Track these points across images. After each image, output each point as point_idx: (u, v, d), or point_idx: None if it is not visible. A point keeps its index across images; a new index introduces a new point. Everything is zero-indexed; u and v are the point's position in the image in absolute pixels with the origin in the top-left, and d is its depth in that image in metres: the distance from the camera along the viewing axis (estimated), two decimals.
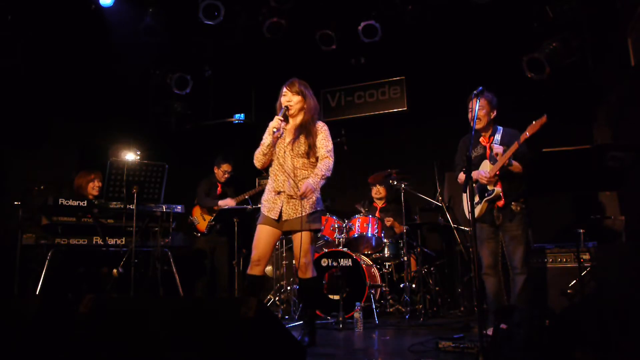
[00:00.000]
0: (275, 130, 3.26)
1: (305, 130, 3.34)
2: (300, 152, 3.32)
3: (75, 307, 2.36)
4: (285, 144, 3.34)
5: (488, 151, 3.69)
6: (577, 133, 5.33)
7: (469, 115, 3.72)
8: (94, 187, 4.85)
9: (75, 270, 4.57)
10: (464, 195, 3.82)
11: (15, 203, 4.26)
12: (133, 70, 6.21)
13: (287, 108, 3.33)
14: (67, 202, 4.20)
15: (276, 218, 3.27)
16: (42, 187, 4.47)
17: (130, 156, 4.95)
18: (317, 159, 3.38)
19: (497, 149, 3.55)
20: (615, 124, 5.00)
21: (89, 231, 4.36)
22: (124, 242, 4.45)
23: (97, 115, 6.07)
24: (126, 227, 4.39)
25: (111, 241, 4.42)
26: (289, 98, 3.37)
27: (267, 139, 3.31)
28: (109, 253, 4.42)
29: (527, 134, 3.36)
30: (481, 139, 3.77)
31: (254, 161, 3.38)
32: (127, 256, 4.20)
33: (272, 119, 3.34)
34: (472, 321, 4.35)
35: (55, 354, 2.32)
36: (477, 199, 3.68)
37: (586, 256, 4.22)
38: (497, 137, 3.68)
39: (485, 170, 3.64)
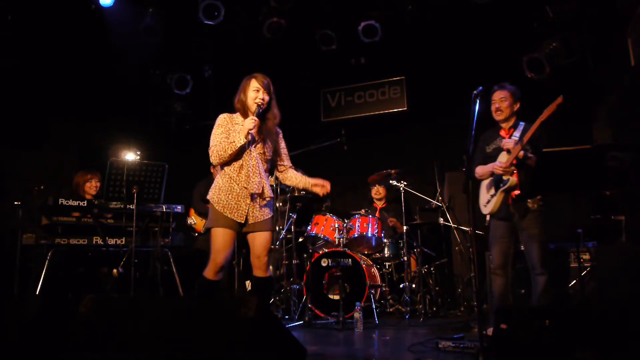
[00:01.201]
0: (250, 131, 3.08)
1: (270, 134, 3.24)
2: (267, 157, 3.23)
3: (75, 307, 2.36)
4: (255, 146, 3.19)
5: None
6: (577, 133, 5.33)
7: (492, 108, 3.68)
8: (91, 187, 4.85)
9: (75, 270, 4.57)
10: (481, 190, 3.76)
11: (15, 203, 4.26)
12: (133, 70, 6.21)
13: (260, 107, 3.14)
14: (67, 202, 4.19)
15: (242, 221, 3.13)
16: (42, 187, 4.47)
17: (130, 156, 4.95)
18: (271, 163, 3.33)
19: (508, 143, 3.48)
20: (615, 124, 5.01)
21: (89, 231, 4.36)
22: (124, 242, 4.44)
23: (97, 115, 6.08)
24: (126, 227, 4.39)
25: (111, 241, 4.42)
26: (262, 96, 3.17)
27: (240, 139, 3.09)
28: (109, 253, 4.42)
29: (544, 116, 3.31)
30: (501, 132, 3.70)
31: (215, 158, 3.12)
32: (127, 256, 4.20)
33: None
34: (472, 321, 4.35)
35: (55, 354, 2.32)
36: (492, 191, 3.62)
37: (586, 256, 4.22)
38: (517, 132, 3.58)
39: (501, 161, 3.57)
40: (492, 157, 3.65)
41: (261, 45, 6.11)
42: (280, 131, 3.36)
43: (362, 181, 6.03)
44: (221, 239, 3.13)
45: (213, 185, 3.22)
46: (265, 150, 3.22)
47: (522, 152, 3.41)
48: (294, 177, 3.38)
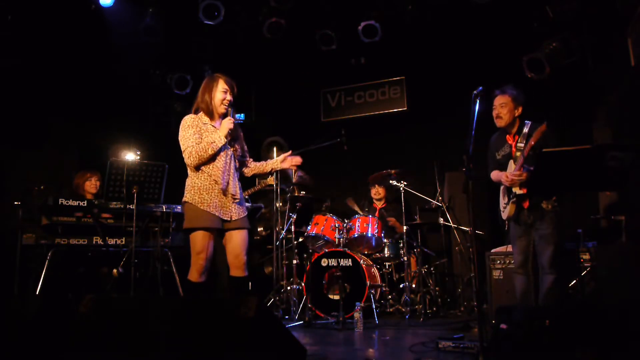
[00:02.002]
0: (230, 131, 3.18)
1: (237, 133, 3.33)
2: (238, 154, 3.34)
3: (75, 307, 2.36)
4: (227, 146, 3.26)
5: (514, 150, 3.58)
6: (577, 133, 5.34)
7: (493, 113, 3.65)
8: (91, 186, 4.86)
9: (75, 270, 4.57)
10: (501, 195, 3.76)
11: (15, 203, 4.26)
12: (133, 70, 6.20)
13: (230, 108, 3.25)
14: (67, 202, 4.19)
15: (229, 218, 3.18)
16: (42, 187, 4.47)
17: (130, 156, 4.95)
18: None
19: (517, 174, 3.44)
20: (615, 124, 5.00)
21: (89, 231, 4.36)
22: (124, 242, 4.44)
23: (97, 115, 6.07)
24: (126, 227, 4.39)
25: (111, 241, 4.41)
26: (229, 97, 3.25)
27: (221, 139, 3.15)
28: (109, 253, 4.42)
29: (532, 142, 3.32)
30: (507, 137, 3.67)
31: (195, 159, 3.12)
32: (127, 256, 4.20)
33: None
34: (472, 321, 4.35)
35: (55, 354, 2.32)
36: (506, 199, 3.63)
37: (586, 256, 4.21)
38: (523, 137, 3.51)
39: (510, 171, 3.56)
40: (503, 165, 3.65)
41: (261, 45, 6.11)
42: (241, 130, 3.46)
43: (362, 181, 6.03)
44: (202, 241, 3.11)
45: (190, 185, 3.21)
46: (237, 148, 3.31)
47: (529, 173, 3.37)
48: (259, 165, 3.48)
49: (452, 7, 5.56)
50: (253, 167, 3.49)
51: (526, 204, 3.51)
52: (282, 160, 3.42)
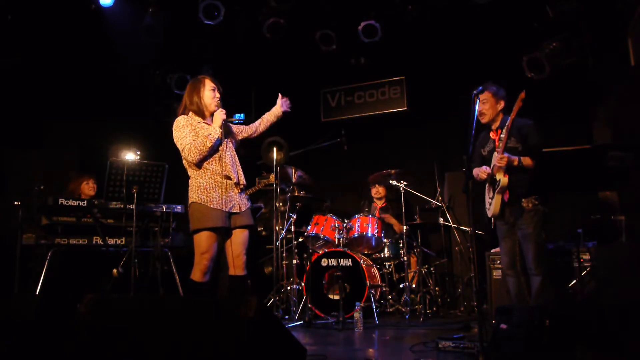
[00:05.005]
0: (224, 122, 3.30)
1: (227, 127, 3.41)
2: (235, 146, 3.43)
3: (75, 307, 2.36)
4: (225, 139, 3.33)
5: (497, 142, 3.59)
6: (577, 133, 5.33)
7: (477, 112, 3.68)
8: (90, 189, 4.87)
9: (75, 270, 4.56)
10: (486, 191, 3.75)
11: (15, 203, 4.25)
12: (133, 70, 6.21)
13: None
14: (67, 202, 4.20)
15: (239, 211, 3.23)
16: (42, 187, 4.46)
17: (130, 156, 4.94)
18: None
19: (501, 161, 3.46)
20: (615, 124, 5.00)
21: (89, 231, 4.36)
22: (124, 242, 4.45)
23: (97, 115, 6.07)
24: (126, 227, 4.39)
25: (111, 241, 4.42)
26: (218, 95, 3.35)
27: (216, 131, 3.22)
28: (109, 253, 4.42)
29: (513, 113, 3.38)
30: (491, 134, 3.70)
31: (195, 154, 3.15)
32: (127, 256, 4.20)
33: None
34: (472, 321, 4.35)
35: (55, 354, 2.32)
36: (491, 193, 3.62)
37: (586, 256, 4.21)
38: (507, 124, 3.52)
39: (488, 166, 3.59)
40: (488, 160, 3.65)
41: (261, 45, 6.11)
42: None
43: (362, 181, 6.03)
44: (207, 241, 3.12)
45: (195, 186, 3.21)
46: (234, 142, 3.40)
47: (510, 158, 3.39)
48: (259, 123, 3.62)
49: (452, 7, 5.56)
50: (256, 125, 3.60)
51: (506, 196, 3.49)
52: (278, 107, 3.63)
